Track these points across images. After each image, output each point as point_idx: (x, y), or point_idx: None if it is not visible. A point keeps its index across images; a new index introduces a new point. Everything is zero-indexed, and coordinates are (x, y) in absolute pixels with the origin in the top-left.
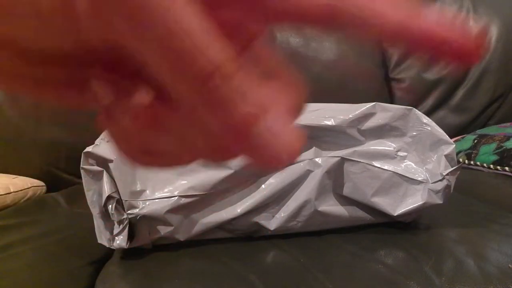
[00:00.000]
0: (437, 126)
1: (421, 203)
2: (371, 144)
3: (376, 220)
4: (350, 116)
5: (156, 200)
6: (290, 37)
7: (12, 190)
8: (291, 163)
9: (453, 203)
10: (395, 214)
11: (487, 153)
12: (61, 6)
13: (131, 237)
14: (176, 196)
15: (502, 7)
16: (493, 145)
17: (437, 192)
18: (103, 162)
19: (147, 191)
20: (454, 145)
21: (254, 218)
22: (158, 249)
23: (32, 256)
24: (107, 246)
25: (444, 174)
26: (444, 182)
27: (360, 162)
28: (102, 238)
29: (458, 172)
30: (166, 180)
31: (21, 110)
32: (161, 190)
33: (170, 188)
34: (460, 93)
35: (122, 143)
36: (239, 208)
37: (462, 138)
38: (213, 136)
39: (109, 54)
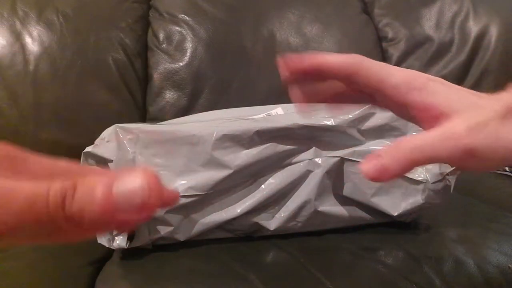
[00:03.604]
0: None
1: (421, 203)
2: (371, 144)
3: (376, 220)
4: (350, 116)
5: None
6: (290, 37)
7: None
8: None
9: (453, 203)
10: (395, 214)
11: None
12: None
13: (131, 237)
14: None
15: (502, 7)
16: None
17: (437, 192)
18: (103, 162)
19: None
20: None
21: (254, 218)
22: (158, 249)
23: (32, 256)
24: (107, 246)
25: (444, 174)
26: (444, 182)
27: (360, 162)
28: (102, 238)
29: (458, 172)
30: (166, 180)
31: (21, 110)
32: None
33: None
34: None
35: None
36: (239, 208)
37: None
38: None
39: None
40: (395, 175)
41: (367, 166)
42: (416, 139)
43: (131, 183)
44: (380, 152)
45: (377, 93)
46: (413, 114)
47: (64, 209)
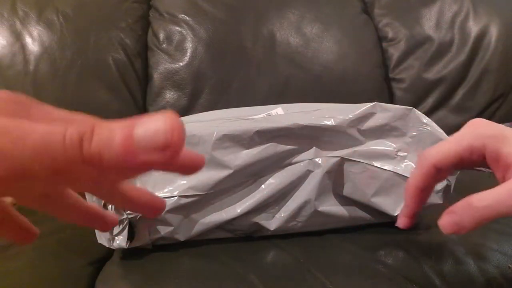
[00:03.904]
0: (437, 126)
1: None
2: (371, 144)
3: (376, 220)
4: (350, 116)
5: None
6: (290, 37)
7: None
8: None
9: (453, 203)
10: (395, 214)
11: None
12: None
13: (131, 237)
14: (176, 196)
15: (502, 7)
16: None
17: (437, 192)
18: None
19: None
20: None
21: (254, 218)
22: (158, 249)
23: (32, 256)
24: (107, 246)
25: None
26: (445, 182)
27: (360, 162)
28: (102, 238)
29: (458, 172)
30: (166, 180)
31: None
32: (161, 190)
33: (170, 188)
34: (460, 93)
35: None
36: (239, 208)
37: None
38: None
39: None
40: (470, 229)
41: (444, 222)
42: (488, 198)
43: (153, 123)
44: (454, 209)
45: None
46: (487, 160)
47: (82, 149)
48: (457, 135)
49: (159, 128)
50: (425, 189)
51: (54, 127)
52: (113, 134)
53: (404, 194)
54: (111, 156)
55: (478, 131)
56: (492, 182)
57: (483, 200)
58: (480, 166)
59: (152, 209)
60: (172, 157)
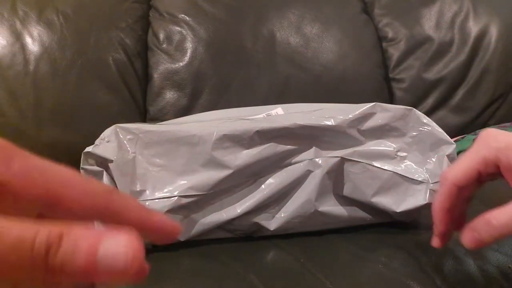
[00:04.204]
0: (437, 126)
1: (423, 203)
2: (371, 144)
3: (376, 220)
4: (350, 116)
5: (156, 200)
6: (290, 37)
7: None
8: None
9: None
10: (398, 210)
11: None
12: None
13: None
14: (176, 196)
15: (502, 7)
16: None
17: None
18: (103, 162)
19: (147, 191)
20: (455, 145)
21: (254, 218)
22: (158, 249)
23: None
24: None
25: None
26: None
27: (360, 162)
28: None
29: None
30: (166, 180)
31: (21, 110)
32: (161, 190)
33: (170, 188)
34: (460, 93)
35: None
36: (239, 208)
37: (462, 138)
38: None
39: None
40: (490, 244)
41: (466, 239)
42: (505, 215)
43: (116, 245)
44: (474, 226)
45: None
46: (501, 172)
47: (47, 260)
48: (471, 150)
49: (120, 253)
50: (452, 209)
51: (26, 228)
52: (78, 248)
53: (432, 215)
54: (72, 270)
55: (490, 143)
56: (492, 182)
57: (500, 219)
58: (496, 178)
59: (164, 236)
60: (129, 279)
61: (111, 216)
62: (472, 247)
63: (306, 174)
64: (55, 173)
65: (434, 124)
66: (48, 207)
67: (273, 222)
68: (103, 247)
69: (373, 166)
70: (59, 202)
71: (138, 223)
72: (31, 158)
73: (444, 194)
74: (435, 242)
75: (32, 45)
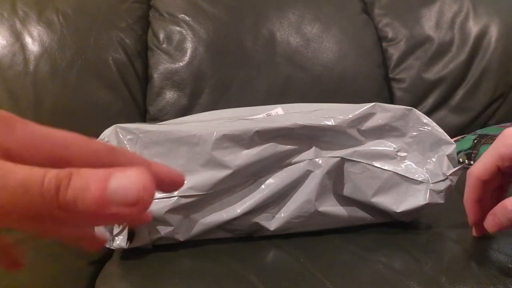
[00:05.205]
0: (438, 126)
1: (424, 203)
2: (371, 144)
3: (376, 220)
4: (350, 116)
5: (156, 200)
6: (290, 37)
7: None
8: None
9: (453, 203)
10: (398, 210)
11: None
12: None
13: (131, 237)
14: (176, 196)
15: (502, 7)
16: None
17: (439, 192)
18: None
19: None
20: (455, 145)
21: (254, 218)
22: (158, 249)
23: (32, 256)
24: (107, 246)
25: (447, 174)
26: (447, 182)
27: (360, 162)
28: None
29: (460, 172)
30: None
31: (21, 110)
32: None
33: None
34: (460, 93)
35: None
36: (239, 208)
37: (462, 138)
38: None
39: None
40: (509, 227)
41: (488, 223)
42: None
43: (126, 178)
44: (494, 212)
45: None
46: None
47: (58, 196)
48: (490, 147)
49: (131, 185)
50: (480, 201)
51: (33, 170)
52: (88, 184)
53: (465, 208)
54: (84, 205)
55: (506, 140)
56: None
57: None
58: None
59: (171, 185)
60: (139, 213)
61: None
62: (493, 230)
63: (306, 174)
64: (58, 136)
65: (434, 124)
66: None
67: (273, 222)
68: (113, 181)
69: (373, 166)
70: (64, 163)
71: None
72: (32, 124)
73: (470, 187)
74: (473, 231)
75: (32, 45)
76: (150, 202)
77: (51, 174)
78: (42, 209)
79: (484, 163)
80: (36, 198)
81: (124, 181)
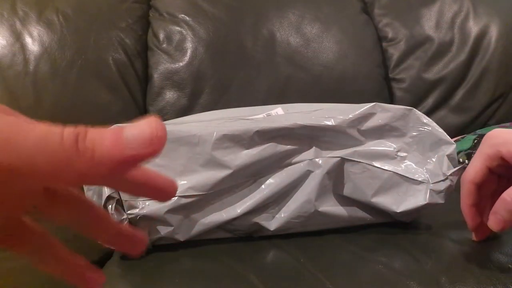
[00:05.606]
0: (438, 126)
1: (424, 203)
2: (371, 144)
3: (376, 220)
4: (350, 116)
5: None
6: (290, 37)
7: None
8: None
9: (453, 203)
10: (398, 210)
11: None
12: None
13: None
14: (176, 196)
15: (502, 7)
16: None
17: (439, 192)
18: None
19: None
20: (455, 145)
21: (254, 219)
22: (158, 249)
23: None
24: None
25: (447, 174)
26: (447, 182)
27: (360, 162)
28: None
29: (461, 172)
30: None
31: (21, 110)
32: None
33: None
34: (460, 93)
35: None
36: (239, 208)
37: (462, 138)
38: None
39: None
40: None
41: (491, 223)
42: None
43: (139, 125)
44: (495, 209)
45: None
46: (509, 163)
47: (78, 145)
48: (477, 151)
49: (144, 127)
50: (476, 205)
51: (52, 127)
52: (104, 134)
53: (462, 213)
54: (102, 150)
55: (492, 141)
56: None
57: None
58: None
59: (163, 193)
60: (155, 151)
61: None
62: (498, 229)
63: (306, 174)
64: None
65: (434, 124)
66: None
67: (273, 222)
68: (127, 129)
69: (373, 166)
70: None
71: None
72: (30, 120)
73: (465, 192)
74: (473, 236)
75: (32, 45)
76: (164, 139)
77: (69, 128)
78: (62, 159)
79: (474, 167)
80: (57, 148)
81: (137, 126)
